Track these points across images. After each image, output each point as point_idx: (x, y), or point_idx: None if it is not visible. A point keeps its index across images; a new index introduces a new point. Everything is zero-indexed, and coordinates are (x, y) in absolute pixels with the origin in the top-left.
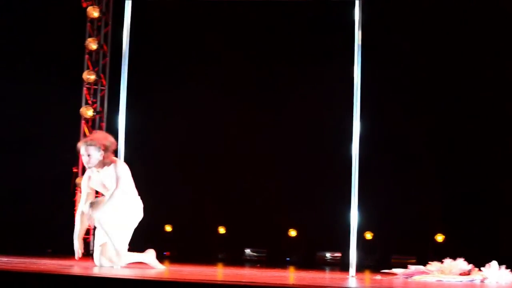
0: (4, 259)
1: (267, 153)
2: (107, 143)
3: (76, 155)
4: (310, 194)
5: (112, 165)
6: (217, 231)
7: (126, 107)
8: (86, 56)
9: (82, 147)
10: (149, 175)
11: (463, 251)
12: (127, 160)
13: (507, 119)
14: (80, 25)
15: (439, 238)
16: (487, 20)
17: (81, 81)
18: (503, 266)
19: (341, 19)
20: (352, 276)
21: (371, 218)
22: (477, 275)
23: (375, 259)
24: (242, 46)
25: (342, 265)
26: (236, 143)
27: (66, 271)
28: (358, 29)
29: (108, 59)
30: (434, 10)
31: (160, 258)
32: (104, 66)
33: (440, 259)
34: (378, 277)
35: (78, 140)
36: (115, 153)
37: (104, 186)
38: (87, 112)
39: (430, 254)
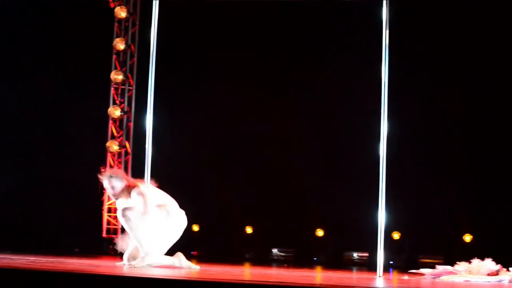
0: (32, 258)
1: (295, 153)
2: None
3: (104, 154)
4: (338, 194)
5: (131, 193)
6: (244, 230)
7: (154, 107)
8: (114, 56)
9: (105, 180)
10: (176, 174)
11: (491, 251)
12: (153, 159)
13: None
14: (108, 26)
15: (467, 238)
16: None
17: (109, 81)
18: None
19: (369, 18)
20: (380, 276)
21: (399, 218)
22: (505, 276)
23: (403, 259)
24: (269, 46)
25: (369, 265)
26: (263, 144)
27: (93, 270)
28: (386, 29)
29: (135, 59)
30: (462, 7)
31: (188, 257)
32: (131, 66)
33: (468, 259)
34: (406, 277)
35: (106, 140)
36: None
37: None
38: (115, 112)
39: (458, 254)
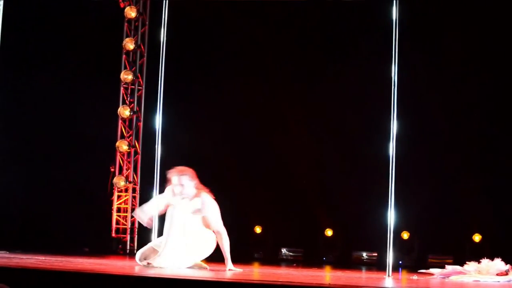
0: (42, 257)
1: (303, 153)
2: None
3: (113, 154)
4: (347, 194)
5: (201, 196)
6: (253, 230)
7: (163, 107)
8: (124, 56)
9: (175, 176)
10: None
11: (501, 251)
12: (163, 158)
13: None
14: (118, 26)
15: (477, 238)
16: None
17: (118, 81)
18: None
19: (379, 17)
20: (389, 276)
21: (408, 218)
22: None
23: (412, 259)
24: (280, 45)
25: (378, 265)
26: (272, 144)
27: (103, 270)
28: (396, 28)
29: (145, 59)
30: (473, 5)
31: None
32: (141, 66)
33: (477, 259)
34: (415, 277)
35: (116, 140)
36: None
37: (191, 214)
38: (125, 112)
39: (467, 254)
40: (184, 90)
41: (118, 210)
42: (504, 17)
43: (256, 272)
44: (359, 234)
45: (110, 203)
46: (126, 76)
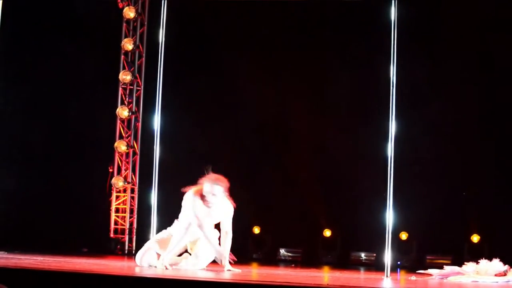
0: (40, 258)
1: (302, 153)
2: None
3: (112, 155)
4: (345, 194)
5: (226, 204)
6: (251, 231)
7: (162, 107)
8: (122, 57)
9: (208, 184)
10: (184, 174)
11: (499, 252)
12: (161, 160)
13: None
14: (117, 26)
15: (475, 238)
16: None
17: (117, 81)
18: None
19: (377, 18)
20: (387, 277)
21: (407, 218)
22: None
23: (410, 260)
24: (279, 45)
25: (377, 266)
26: (271, 144)
27: (101, 270)
28: (394, 29)
29: (143, 59)
30: (471, 6)
31: None
32: (139, 66)
33: (475, 260)
34: (413, 277)
35: (114, 140)
36: None
37: (211, 217)
38: (123, 112)
39: (465, 254)
40: (182, 91)
41: (117, 210)
42: (503, 17)
43: (254, 272)
44: (357, 234)
45: (109, 203)
46: (125, 76)
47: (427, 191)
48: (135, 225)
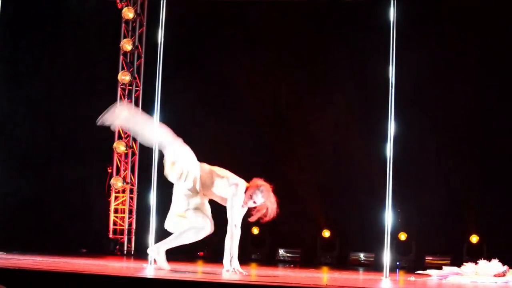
0: (39, 258)
1: (301, 154)
2: None
3: (111, 155)
4: (344, 195)
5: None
6: (251, 231)
7: (161, 108)
8: (121, 57)
9: (260, 194)
10: None
11: (498, 252)
12: (160, 160)
13: None
14: (116, 27)
15: (474, 239)
16: None
17: (116, 82)
18: None
19: (376, 19)
20: (386, 277)
21: (405, 219)
22: None
23: (409, 260)
24: (279, 47)
25: (376, 266)
26: (270, 144)
27: (100, 271)
28: (393, 29)
29: (142, 60)
30: (469, 7)
31: (194, 258)
32: (138, 66)
33: (474, 261)
34: (412, 278)
35: (113, 140)
36: None
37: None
38: None
39: (464, 255)
40: (181, 91)
41: (116, 211)
42: (502, 17)
43: (253, 273)
44: (356, 235)
45: (108, 204)
46: (124, 77)
47: (426, 192)
48: (134, 226)
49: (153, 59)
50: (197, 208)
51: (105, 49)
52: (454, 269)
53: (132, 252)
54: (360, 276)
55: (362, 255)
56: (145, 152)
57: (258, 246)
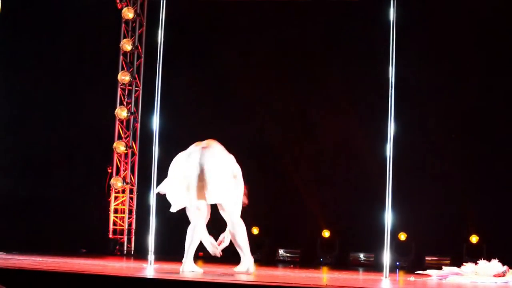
0: (39, 258)
1: (300, 154)
2: None
3: (111, 155)
4: (344, 195)
5: None
6: (250, 231)
7: (160, 108)
8: (121, 57)
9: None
10: None
11: (498, 252)
12: (160, 159)
13: None
14: (116, 27)
15: (474, 239)
16: None
17: (116, 82)
18: None
19: (376, 19)
20: (386, 277)
21: (405, 219)
22: (511, 277)
23: (409, 260)
24: (278, 47)
25: (375, 266)
26: (270, 144)
27: (100, 271)
28: (393, 29)
29: (142, 60)
30: (470, 7)
31: (194, 258)
32: (138, 67)
33: (474, 261)
34: (412, 278)
35: (112, 141)
36: None
37: None
38: (122, 113)
39: (464, 255)
40: (181, 91)
41: (115, 211)
42: (501, 18)
43: (253, 273)
44: (356, 235)
45: (107, 204)
46: (124, 77)
47: (426, 192)
48: (134, 226)
49: (153, 59)
50: None
51: (105, 49)
52: (454, 269)
53: (132, 252)
54: (360, 276)
55: (362, 255)
56: (145, 152)
57: (258, 246)
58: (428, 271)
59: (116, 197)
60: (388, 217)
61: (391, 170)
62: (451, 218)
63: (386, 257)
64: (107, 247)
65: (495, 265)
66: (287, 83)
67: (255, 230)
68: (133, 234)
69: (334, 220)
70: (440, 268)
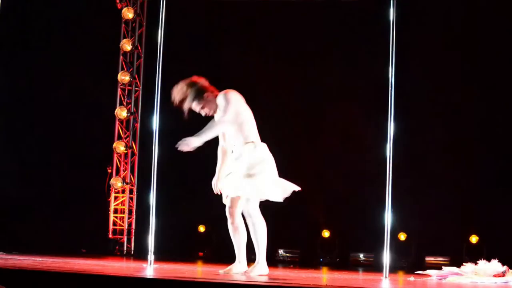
0: (39, 258)
1: (300, 153)
2: None
3: (111, 155)
4: (344, 195)
5: None
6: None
7: (160, 108)
8: (121, 57)
9: None
10: (183, 175)
11: (498, 252)
12: (160, 160)
13: None
14: (115, 27)
15: (473, 239)
16: None
17: (115, 82)
18: None
19: (375, 18)
20: (386, 278)
21: (405, 219)
22: (511, 277)
23: (409, 261)
24: (276, 47)
25: (375, 267)
26: (268, 144)
27: (100, 271)
28: (393, 29)
29: (142, 60)
30: (470, 7)
31: (194, 258)
32: (138, 67)
33: (474, 261)
34: (412, 278)
35: (113, 141)
36: None
37: None
38: (122, 113)
39: (464, 255)
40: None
41: (115, 211)
42: (501, 18)
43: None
44: (356, 235)
45: (107, 204)
46: (123, 77)
47: (426, 192)
48: (133, 226)
49: (153, 60)
50: None
51: (105, 49)
52: (454, 269)
53: (132, 252)
54: (360, 276)
55: (361, 255)
56: (145, 152)
57: None
58: (428, 271)
59: (116, 197)
60: (388, 217)
61: (391, 169)
62: (451, 218)
63: (386, 257)
64: (107, 247)
65: (495, 265)
66: (287, 83)
67: None
68: (133, 234)
69: (334, 220)
70: (439, 268)
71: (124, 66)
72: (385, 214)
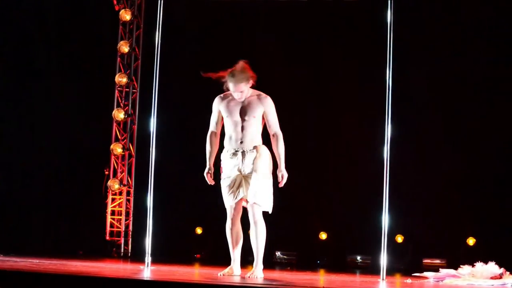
0: (36, 260)
1: (298, 155)
2: None
3: (108, 157)
4: (341, 197)
5: None
6: (247, 233)
7: (158, 110)
8: (118, 59)
9: None
10: (180, 177)
11: (495, 254)
12: (157, 161)
13: None
14: (113, 28)
15: (471, 241)
16: None
17: (113, 84)
18: None
19: (373, 20)
20: (383, 280)
21: (402, 221)
22: (508, 279)
23: (406, 263)
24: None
25: (373, 269)
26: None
27: (97, 273)
28: (390, 31)
29: (139, 61)
30: (467, 9)
31: (191, 260)
32: (135, 68)
33: (471, 263)
34: (409, 280)
35: (110, 142)
36: None
37: None
38: (119, 114)
39: (461, 257)
40: (179, 93)
41: (112, 213)
42: (501, 18)
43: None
44: (353, 237)
45: (104, 206)
46: (121, 79)
47: (423, 194)
48: (130, 228)
49: (150, 61)
50: None
51: (102, 51)
52: (451, 271)
53: (129, 254)
54: (357, 278)
55: (359, 258)
56: (142, 154)
57: None
58: (425, 273)
59: (113, 199)
60: (385, 220)
61: (388, 172)
62: (448, 221)
63: (383, 260)
64: (104, 249)
65: (492, 267)
66: (286, 83)
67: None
68: (130, 236)
69: (331, 222)
70: (437, 270)
71: (122, 68)
72: (382, 216)
